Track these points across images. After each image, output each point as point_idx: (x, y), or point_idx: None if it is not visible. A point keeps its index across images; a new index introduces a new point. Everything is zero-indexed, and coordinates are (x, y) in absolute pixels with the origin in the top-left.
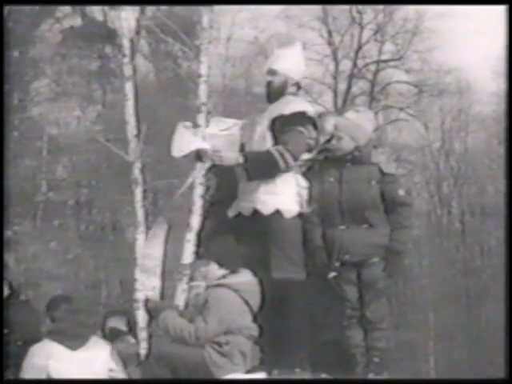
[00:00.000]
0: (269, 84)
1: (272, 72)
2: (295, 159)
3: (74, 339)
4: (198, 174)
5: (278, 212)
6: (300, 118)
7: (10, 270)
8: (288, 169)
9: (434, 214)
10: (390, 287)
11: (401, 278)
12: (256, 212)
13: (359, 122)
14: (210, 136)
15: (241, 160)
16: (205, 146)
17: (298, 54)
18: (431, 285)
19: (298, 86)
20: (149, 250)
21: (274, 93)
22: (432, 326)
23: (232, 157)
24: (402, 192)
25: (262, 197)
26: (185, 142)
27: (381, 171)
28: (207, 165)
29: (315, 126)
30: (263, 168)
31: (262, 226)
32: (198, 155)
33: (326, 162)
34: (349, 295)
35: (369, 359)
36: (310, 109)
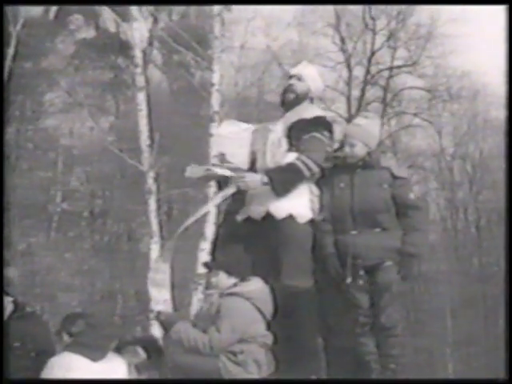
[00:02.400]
0: (289, 88)
1: (298, 77)
2: (319, 166)
3: (94, 351)
4: (218, 201)
5: (291, 217)
6: (319, 124)
7: (14, 286)
8: (313, 176)
9: (449, 219)
10: (405, 293)
11: (415, 282)
12: (268, 216)
13: (369, 128)
14: (218, 136)
15: (265, 180)
16: (227, 173)
17: (319, 74)
18: (448, 291)
19: (312, 98)
20: (158, 263)
21: (293, 99)
22: (450, 332)
23: (256, 180)
24: (412, 196)
25: (276, 201)
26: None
27: (392, 175)
28: (231, 191)
29: (331, 133)
30: (290, 182)
31: (273, 230)
32: (218, 180)
33: (336, 169)
34: (361, 302)
35: (384, 366)
36: (328, 114)
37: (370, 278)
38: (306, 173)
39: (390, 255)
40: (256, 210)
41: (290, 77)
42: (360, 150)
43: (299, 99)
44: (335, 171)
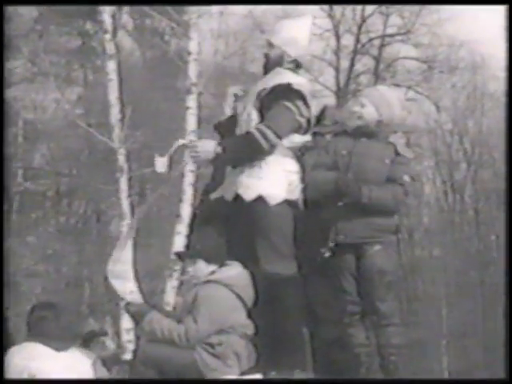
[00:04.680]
0: (265, 57)
1: (269, 44)
2: (279, 137)
3: (57, 341)
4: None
5: (261, 198)
6: (286, 91)
7: None
8: (272, 148)
9: (445, 201)
10: (397, 280)
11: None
12: (238, 197)
13: (387, 95)
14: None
15: (219, 150)
16: (181, 142)
17: (301, 28)
18: (443, 278)
19: (297, 63)
20: (118, 253)
21: (269, 68)
22: (445, 323)
23: (209, 148)
24: (406, 178)
25: (245, 181)
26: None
27: (396, 152)
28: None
29: (306, 105)
30: (246, 153)
31: (245, 213)
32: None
33: (342, 135)
34: (345, 285)
35: (385, 357)
36: (299, 82)
37: (358, 262)
38: (264, 145)
39: (376, 235)
40: (228, 190)
41: (266, 44)
42: (369, 114)
43: (275, 68)
44: (340, 137)
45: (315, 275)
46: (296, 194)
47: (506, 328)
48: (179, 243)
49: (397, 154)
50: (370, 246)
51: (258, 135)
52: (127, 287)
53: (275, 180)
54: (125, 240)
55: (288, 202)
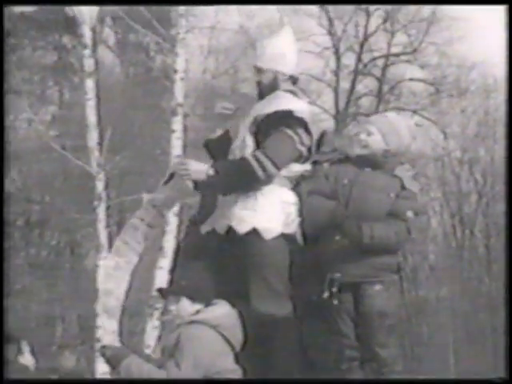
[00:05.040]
0: (258, 84)
1: (259, 70)
2: (277, 167)
3: None
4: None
5: (255, 231)
6: (287, 118)
7: None
8: (268, 179)
9: (453, 236)
10: (400, 323)
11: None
12: (231, 230)
13: (395, 123)
14: None
15: (211, 172)
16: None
17: (286, 41)
18: (451, 322)
19: (294, 80)
20: (111, 285)
21: (265, 93)
22: (452, 371)
23: (201, 170)
24: (410, 214)
25: (239, 212)
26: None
27: (402, 186)
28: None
29: (308, 132)
30: (239, 181)
31: (237, 247)
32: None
33: (344, 162)
34: (343, 328)
35: None
36: (301, 108)
37: (356, 302)
38: (260, 174)
39: (375, 274)
40: (220, 222)
41: (255, 70)
42: (376, 143)
43: (272, 91)
44: (341, 166)
45: (310, 316)
46: (293, 228)
47: (506, 328)
48: (161, 279)
49: (403, 187)
50: (369, 286)
51: (254, 163)
52: (112, 325)
53: (271, 212)
54: (121, 271)
55: (284, 237)
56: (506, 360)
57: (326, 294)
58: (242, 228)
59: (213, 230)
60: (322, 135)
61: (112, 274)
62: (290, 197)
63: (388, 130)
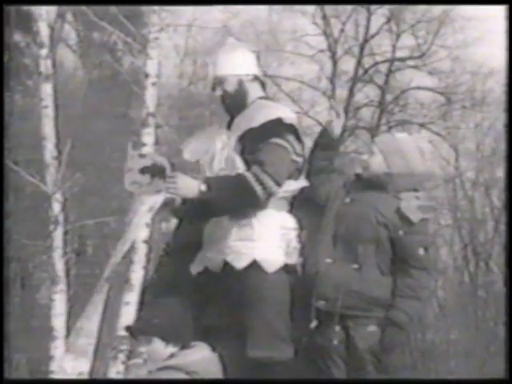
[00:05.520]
0: (223, 98)
1: (219, 81)
2: (278, 184)
3: None
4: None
5: (255, 264)
6: (275, 126)
7: None
8: (269, 197)
9: (466, 270)
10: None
11: (400, 351)
12: (227, 265)
13: (403, 147)
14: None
15: (203, 188)
16: (164, 162)
17: (235, 46)
18: (463, 369)
19: (262, 84)
20: (84, 323)
21: (234, 104)
22: None
23: (191, 186)
24: (422, 251)
25: (235, 244)
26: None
27: (398, 212)
28: (159, 199)
29: (299, 139)
30: (235, 198)
31: (235, 284)
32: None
33: (348, 182)
34: (335, 372)
35: None
36: (288, 114)
37: (347, 343)
38: (260, 192)
39: (366, 307)
40: (214, 260)
41: (214, 84)
42: (376, 164)
43: (241, 100)
44: (348, 184)
45: (300, 358)
46: (295, 258)
47: (506, 328)
48: (127, 316)
49: (400, 214)
50: (361, 327)
51: (252, 180)
52: (80, 366)
53: (271, 241)
54: (94, 308)
55: (286, 268)
56: (506, 360)
57: (313, 324)
58: (241, 262)
59: (205, 270)
60: (322, 134)
61: (86, 312)
62: (290, 221)
63: (392, 152)
